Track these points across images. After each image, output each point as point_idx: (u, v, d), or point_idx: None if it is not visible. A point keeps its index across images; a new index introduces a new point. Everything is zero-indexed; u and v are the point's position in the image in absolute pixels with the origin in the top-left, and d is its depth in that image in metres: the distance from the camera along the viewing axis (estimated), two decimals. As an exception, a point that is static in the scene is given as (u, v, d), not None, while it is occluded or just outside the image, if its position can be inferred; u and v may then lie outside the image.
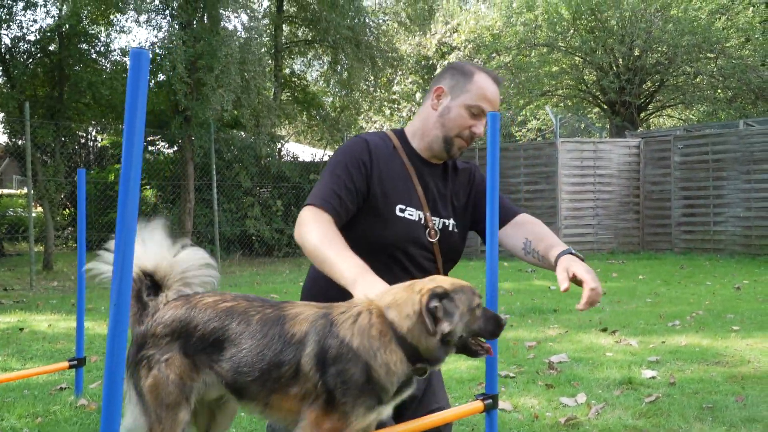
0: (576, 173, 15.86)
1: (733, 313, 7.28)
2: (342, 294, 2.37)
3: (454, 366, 5.07)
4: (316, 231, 2.51)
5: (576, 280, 2.53)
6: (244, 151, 17.22)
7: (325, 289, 2.60)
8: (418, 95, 31.54)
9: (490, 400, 2.72)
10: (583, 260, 2.60)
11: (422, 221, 2.78)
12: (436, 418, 2.62)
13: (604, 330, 6.44)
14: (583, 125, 22.06)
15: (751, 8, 21.32)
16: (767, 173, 14.22)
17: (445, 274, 2.87)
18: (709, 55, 20.59)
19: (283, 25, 19.65)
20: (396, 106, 29.90)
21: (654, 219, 15.93)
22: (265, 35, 17.75)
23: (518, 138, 27.00)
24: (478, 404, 2.70)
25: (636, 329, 6.48)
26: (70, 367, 4.39)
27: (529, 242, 2.81)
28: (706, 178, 15.09)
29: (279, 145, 18.87)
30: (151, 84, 15.96)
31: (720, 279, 10.90)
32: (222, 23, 14.59)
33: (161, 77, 15.42)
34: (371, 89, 20.72)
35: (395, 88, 30.28)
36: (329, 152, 20.77)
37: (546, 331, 6.56)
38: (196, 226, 16.01)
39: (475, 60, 24.65)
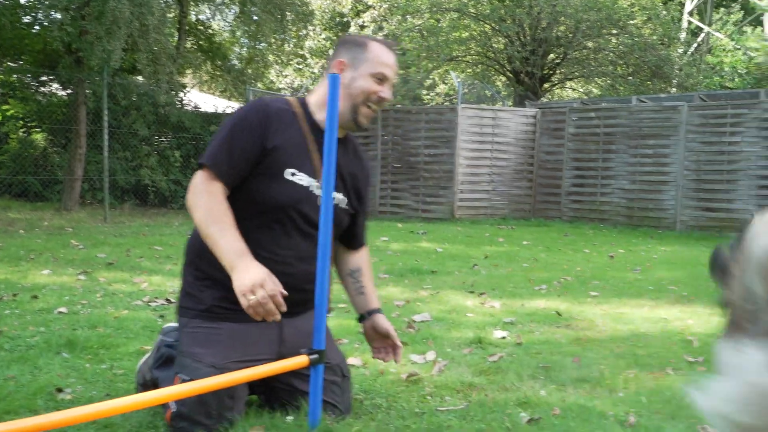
0: (475, 139, 16.16)
1: (599, 280, 7.65)
2: None
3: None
4: (204, 204, 2.66)
5: (382, 335, 3.25)
6: (142, 98, 16.75)
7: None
8: (331, 51, 31.27)
9: (316, 355, 2.81)
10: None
11: (313, 190, 2.87)
12: (260, 370, 2.69)
13: (472, 292, 6.68)
14: (489, 93, 22.43)
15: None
16: (653, 149, 14.88)
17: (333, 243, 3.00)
18: (612, 31, 21.21)
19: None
20: (305, 61, 29.59)
21: (546, 188, 16.46)
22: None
23: (427, 101, 27.22)
24: (304, 359, 2.79)
25: (503, 292, 6.73)
26: None
27: (359, 272, 3.27)
28: (596, 150, 15.66)
29: (181, 94, 18.44)
30: (43, 21, 15.24)
31: (598, 247, 11.39)
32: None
33: (57, 16, 14.74)
34: (279, 43, 20.39)
35: (308, 43, 29.93)
36: (233, 104, 20.45)
37: (419, 292, 6.74)
38: (87, 172, 15.54)
39: (389, 22, 24.60)
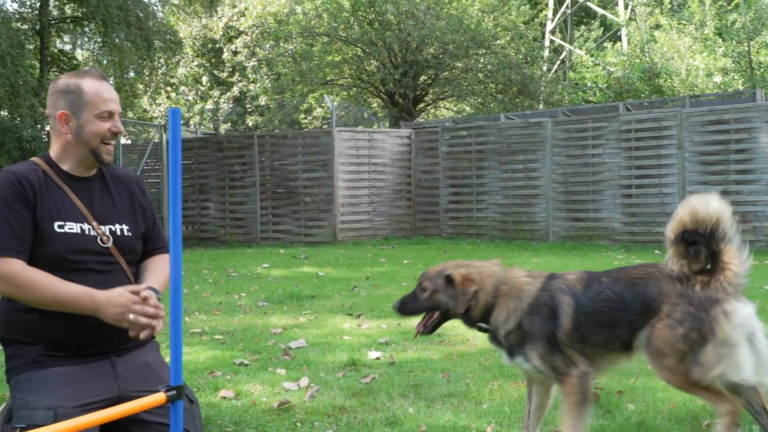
0: (352, 161, 16.32)
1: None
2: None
3: (192, 357, 5.09)
4: (26, 285, 2.75)
5: None
6: (5, 133, 15.98)
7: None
8: (204, 78, 30.88)
9: (174, 392, 2.77)
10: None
11: (89, 232, 2.96)
12: (117, 410, 2.63)
13: (350, 314, 6.74)
14: (366, 115, 22.72)
15: (515, 9, 23.05)
16: (522, 164, 15.48)
17: (132, 271, 3.06)
18: (478, 51, 21.98)
19: (50, 1, 18.38)
20: (175, 91, 29.09)
21: (424, 206, 16.81)
22: (27, 9, 16.54)
23: (305, 125, 27.28)
24: (161, 396, 2.74)
25: (381, 312, 6.83)
26: None
27: (144, 268, 3.17)
28: (469, 168, 16.14)
29: (47, 127, 17.70)
30: None
31: (475, 262, 11.71)
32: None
33: None
34: (146, 72, 19.96)
35: (181, 70, 29.44)
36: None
37: (297, 318, 6.74)
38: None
39: (262, 47, 24.54)
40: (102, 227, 2.99)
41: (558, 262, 11.36)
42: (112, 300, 2.72)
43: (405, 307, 3.21)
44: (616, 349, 3.01)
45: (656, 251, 12.73)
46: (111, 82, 3.14)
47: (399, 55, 21.21)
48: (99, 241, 2.96)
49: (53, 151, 3.02)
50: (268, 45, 24.11)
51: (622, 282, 3.00)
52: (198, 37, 30.05)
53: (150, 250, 3.23)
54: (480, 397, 3.88)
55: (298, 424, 3.52)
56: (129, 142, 17.11)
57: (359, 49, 22.22)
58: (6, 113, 16.45)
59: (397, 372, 4.54)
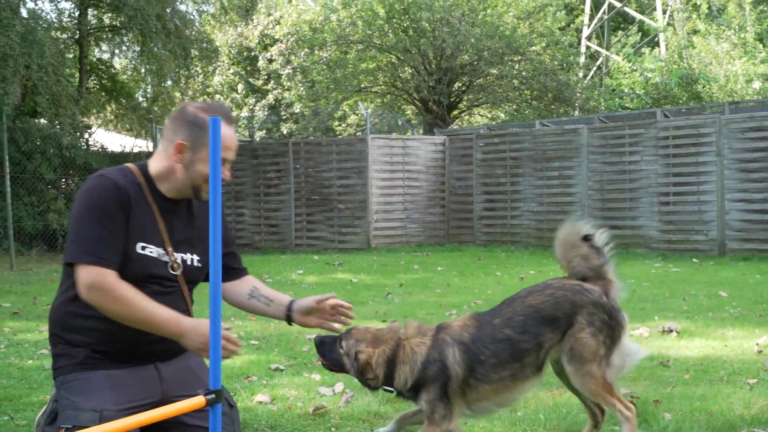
0: (386, 168, 16.37)
1: (508, 301, 7.85)
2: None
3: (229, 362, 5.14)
4: (118, 299, 2.76)
5: (315, 309, 3.24)
6: (46, 141, 16.32)
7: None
8: (239, 86, 31.19)
9: (213, 396, 2.81)
10: None
11: (162, 257, 2.99)
12: (157, 413, 2.68)
13: (384, 321, 6.76)
14: (400, 122, 22.77)
15: (551, 16, 22.94)
16: (557, 171, 15.39)
17: (190, 295, 3.16)
18: (513, 58, 21.92)
19: (89, 10, 18.76)
20: (211, 99, 29.39)
21: (458, 213, 16.78)
22: (67, 19, 16.90)
23: (338, 133, 27.41)
24: (200, 399, 2.79)
25: (415, 319, 6.82)
26: None
27: (257, 289, 3.30)
28: (504, 175, 16.09)
29: (86, 135, 18.05)
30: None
31: (510, 269, 11.68)
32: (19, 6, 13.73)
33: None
34: (183, 80, 20.24)
35: (217, 78, 29.77)
36: (139, 142, 20.12)
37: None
38: (-9, 220, 14.98)
39: (297, 55, 24.73)
40: (176, 254, 3.03)
41: (593, 270, 11.25)
42: (199, 329, 2.77)
43: (322, 349, 3.37)
44: (528, 376, 3.20)
45: (694, 260, 12.56)
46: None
47: (433, 62, 21.24)
48: (169, 268, 3.01)
49: (154, 168, 3.01)
50: (302, 53, 24.29)
51: (521, 314, 3.19)
52: (234, 45, 30.37)
53: (232, 275, 3.29)
54: (514, 405, 3.87)
55: (333, 429, 3.55)
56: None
57: (394, 57, 22.29)
58: (46, 121, 16.80)
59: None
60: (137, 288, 2.89)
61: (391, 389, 3.26)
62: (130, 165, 3.05)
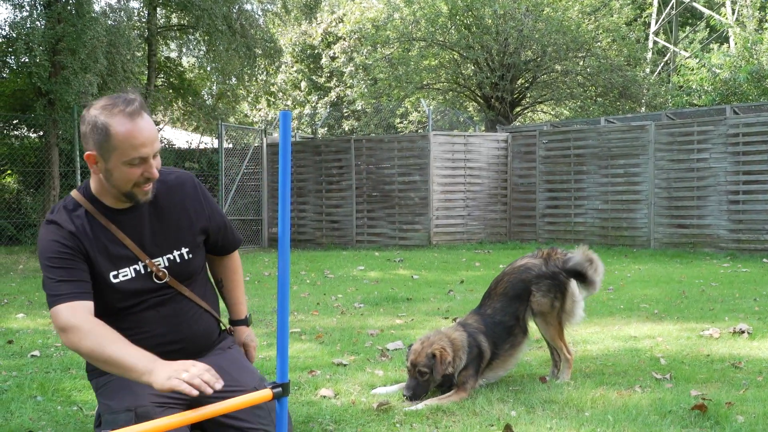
0: (448, 165, 16.31)
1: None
2: None
3: (292, 355, 5.19)
4: (90, 336, 2.55)
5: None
6: (115, 137, 16.74)
7: None
8: (303, 84, 31.48)
9: (279, 389, 2.83)
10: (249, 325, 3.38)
11: (143, 270, 2.87)
12: (224, 405, 2.71)
13: (446, 318, 6.73)
14: (461, 119, 22.65)
15: (617, 11, 22.48)
16: (623, 168, 15.09)
17: (192, 289, 3.04)
18: (578, 54, 21.58)
19: (158, 9, 19.19)
20: (273, 97, 29.74)
21: (520, 210, 16.61)
22: (136, 17, 17.30)
23: (400, 130, 27.42)
24: (267, 392, 2.81)
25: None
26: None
27: (221, 283, 3.33)
28: (567, 172, 15.86)
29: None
30: (13, 65, 15.30)
31: (573, 268, 11.47)
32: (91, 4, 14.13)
33: (26, 59, 14.81)
34: (247, 79, 20.52)
35: (280, 76, 30.11)
36: (205, 139, 20.50)
37: (393, 320, 6.78)
38: (62, 214, 15.45)
39: (359, 52, 24.81)
40: (158, 259, 2.90)
41: (660, 270, 11.01)
42: (172, 363, 2.50)
43: (416, 395, 3.96)
44: (521, 341, 4.33)
45: (764, 260, 12.16)
46: (147, 115, 2.73)
47: (496, 59, 21.05)
48: (155, 278, 2.89)
49: (93, 185, 2.85)
50: (365, 50, 24.38)
51: (499, 302, 4.32)
52: (297, 43, 30.68)
53: (223, 253, 3.24)
54: (582, 405, 3.80)
55: (398, 425, 3.54)
56: (230, 146, 17.64)
57: (456, 53, 22.18)
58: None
59: (496, 377, 4.50)
60: (135, 314, 2.86)
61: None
62: (74, 193, 2.89)
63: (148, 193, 2.79)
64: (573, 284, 4.33)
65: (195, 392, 2.37)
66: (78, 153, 13.79)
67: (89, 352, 2.54)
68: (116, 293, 2.83)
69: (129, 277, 2.84)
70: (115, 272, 2.81)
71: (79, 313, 2.62)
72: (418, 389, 3.95)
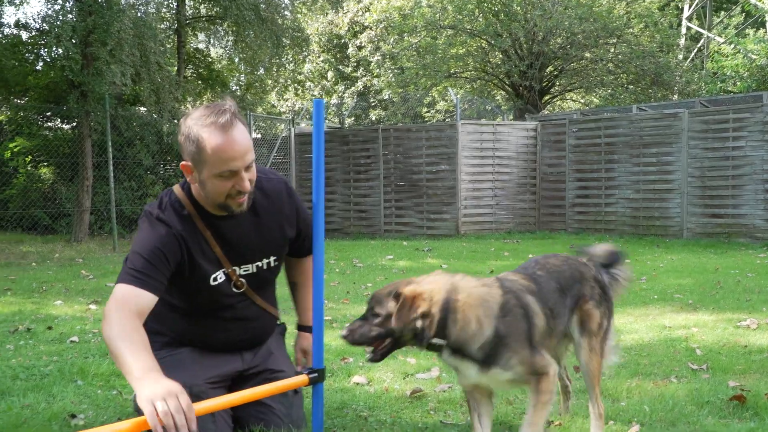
0: (476, 155, 16.23)
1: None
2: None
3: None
4: (115, 326, 2.54)
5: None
6: (145, 128, 16.90)
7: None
8: (330, 74, 31.49)
9: (316, 375, 2.87)
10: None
11: (221, 278, 2.96)
12: (265, 388, 2.74)
13: (478, 307, 6.70)
14: (489, 108, 22.53)
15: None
16: (655, 157, 14.90)
17: (265, 298, 3.17)
18: (609, 41, 21.31)
19: (186, 0, 19.28)
20: (301, 87, 29.78)
21: (549, 200, 16.49)
22: (165, 9, 17.40)
23: (428, 119, 27.34)
24: (303, 378, 2.84)
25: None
26: None
27: (296, 286, 3.42)
28: (598, 161, 15.70)
29: (182, 122, 18.58)
30: (46, 58, 15.49)
31: (604, 258, 11.37)
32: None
33: (59, 51, 14.98)
34: (275, 69, 20.58)
35: (307, 66, 30.16)
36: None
37: (424, 309, 6.77)
38: (95, 203, 15.66)
39: (386, 41, 24.73)
40: (247, 266, 3.00)
41: (694, 260, 10.87)
42: (163, 381, 2.35)
43: (353, 336, 2.70)
44: (566, 336, 3.05)
45: (802, 250, 11.97)
46: (241, 125, 2.71)
47: (525, 47, 20.89)
48: (233, 287, 2.99)
49: (194, 190, 2.88)
50: (392, 39, 24.29)
51: (554, 273, 2.99)
52: (324, 33, 30.68)
53: (300, 255, 3.31)
54: (617, 395, 3.77)
55: (432, 413, 3.53)
56: (259, 136, 17.71)
57: (484, 41, 22.04)
58: (144, 109, 17.39)
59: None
60: (211, 314, 3.00)
61: (442, 341, 2.69)
62: (177, 191, 2.91)
63: (242, 204, 2.82)
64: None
65: (159, 429, 2.21)
66: (110, 143, 13.93)
67: (106, 340, 2.55)
68: (207, 295, 2.93)
69: (221, 281, 2.95)
70: (215, 275, 2.92)
71: (129, 302, 2.62)
72: (358, 330, 2.69)
